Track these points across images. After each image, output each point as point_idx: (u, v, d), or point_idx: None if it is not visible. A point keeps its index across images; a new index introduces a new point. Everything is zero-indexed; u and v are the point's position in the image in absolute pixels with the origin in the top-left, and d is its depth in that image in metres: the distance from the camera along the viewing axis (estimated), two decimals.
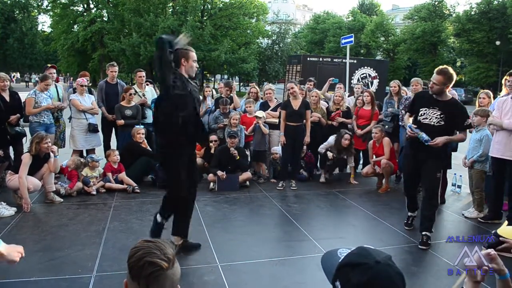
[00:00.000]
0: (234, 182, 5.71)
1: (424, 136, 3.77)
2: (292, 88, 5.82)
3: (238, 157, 5.73)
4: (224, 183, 5.62)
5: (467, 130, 4.03)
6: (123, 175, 5.53)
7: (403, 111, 6.01)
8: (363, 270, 1.00)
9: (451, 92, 6.06)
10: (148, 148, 5.98)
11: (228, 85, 7.01)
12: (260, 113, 6.28)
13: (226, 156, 5.73)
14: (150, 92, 6.69)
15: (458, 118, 3.82)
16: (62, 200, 4.90)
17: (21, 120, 5.50)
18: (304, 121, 5.81)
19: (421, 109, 3.89)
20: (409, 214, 4.43)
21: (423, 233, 3.90)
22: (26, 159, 4.60)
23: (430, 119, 3.82)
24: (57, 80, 6.59)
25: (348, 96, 8.08)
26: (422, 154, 3.89)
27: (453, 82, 3.78)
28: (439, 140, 3.72)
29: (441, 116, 3.77)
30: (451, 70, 3.77)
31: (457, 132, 4.01)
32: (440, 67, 3.86)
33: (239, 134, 5.98)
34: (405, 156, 4.39)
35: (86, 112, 5.93)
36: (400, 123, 6.12)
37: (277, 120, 6.22)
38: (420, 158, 3.93)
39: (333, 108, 6.74)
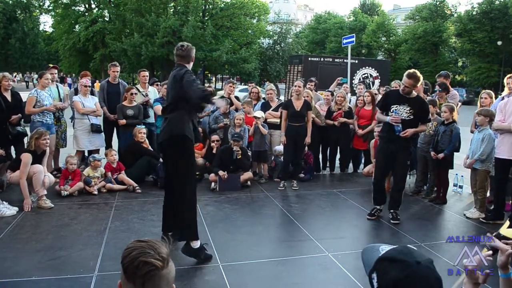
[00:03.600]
0: (235, 182, 5.71)
1: (398, 127, 4.40)
2: (299, 86, 5.75)
3: (240, 156, 5.73)
4: (225, 183, 5.63)
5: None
6: (123, 176, 5.54)
7: None
8: (403, 267, 0.99)
9: (453, 92, 6.13)
10: (150, 148, 5.99)
11: (231, 83, 7.09)
12: (259, 113, 6.27)
13: (228, 155, 5.73)
14: (153, 92, 6.70)
15: (424, 112, 4.47)
16: (52, 205, 4.65)
17: (22, 120, 5.50)
18: (306, 121, 5.80)
19: (392, 106, 4.42)
20: (377, 207, 4.74)
21: (392, 210, 4.60)
22: (27, 158, 4.59)
23: (401, 114, 4.36)
24: (64, 81, 6.63)
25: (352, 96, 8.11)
26: (394, 146, 4.46)
27: (420, 82, 4.47)
28: (409, 131, 4.36)
29: (410, 111, 4.33)
30: (418, 73, 4.33)
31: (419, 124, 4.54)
32: (410, 71, 4.36)
33: (243, 136, 5.98)
34: (379, 151, 4.83)
35: (87, 114, 5.94)
36: None
37: (278, 120, 6.22)
38: (392, 150, 4.49)
39: (335, 108, 6.72)
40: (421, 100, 4.52)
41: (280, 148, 6.30)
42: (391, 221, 4.52)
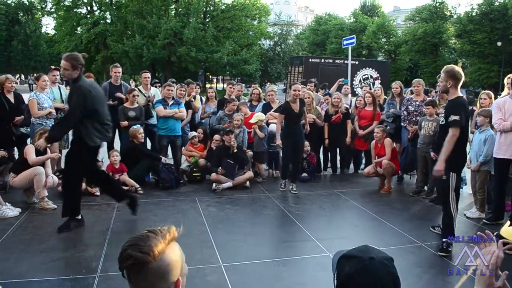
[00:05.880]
0: (231, 169, 5.77)
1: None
2: (298, 90, 5.61)
3: (236, 150, 5.78)
4: (226, 173, 5.72)
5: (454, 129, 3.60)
6: (124, 177, 5.55)
7: (404, 112, 6.03)
8: (356, 262, 1.06)
9: None
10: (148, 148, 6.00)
11: (231, 83, 7.13)
12: (255, 118, 6.18)
13: (224, 152, 5.79)
14: (155, 93, 6.72)
15: (448, 115, 3.64)
16: (55, 206, 4.65)
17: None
18: (303, 121, 5.81)
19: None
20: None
21: (445, 240, 3.72)
22: (30, 149, 4.72)
23: (442, 120, 3.88)
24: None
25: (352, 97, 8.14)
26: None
27: (460, 81, 3.63)
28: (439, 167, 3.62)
29: (443, 115, 3.78)
30: (456, 68, 3.67)
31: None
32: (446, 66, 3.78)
33: (234, 131, 6.00)
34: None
35: None
36: (402, 123, 6.12)
37: None
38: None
39: (332, 111, 6.60)
40: (454, 101, 3.67)
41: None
42: (439, 252, 3.74)
